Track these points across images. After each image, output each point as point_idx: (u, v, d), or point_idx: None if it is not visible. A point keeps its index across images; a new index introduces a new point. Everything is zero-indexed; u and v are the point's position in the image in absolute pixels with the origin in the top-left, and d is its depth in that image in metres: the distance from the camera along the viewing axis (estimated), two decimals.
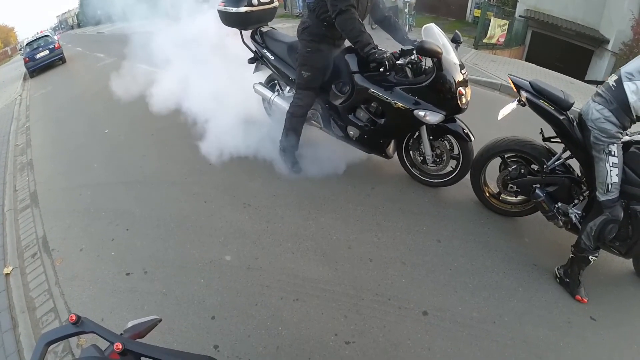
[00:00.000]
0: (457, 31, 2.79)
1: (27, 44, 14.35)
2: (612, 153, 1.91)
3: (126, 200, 3.42)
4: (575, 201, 2.31)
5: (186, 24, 4.90)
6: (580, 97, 6.17)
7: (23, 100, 9.62)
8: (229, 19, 3.53)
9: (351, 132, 3.06)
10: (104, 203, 3.46)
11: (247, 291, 2.29)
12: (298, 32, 3.02)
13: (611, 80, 1.91)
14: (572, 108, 2.19)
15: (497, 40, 10.30)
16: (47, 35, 14.46)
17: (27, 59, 13.22)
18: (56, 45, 13.58)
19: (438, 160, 2.91)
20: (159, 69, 5.51)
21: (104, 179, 3.91)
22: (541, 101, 2.22)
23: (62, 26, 53.48)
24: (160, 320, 1.09)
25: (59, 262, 2.86)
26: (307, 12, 3.01)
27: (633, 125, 1.95)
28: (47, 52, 13.31)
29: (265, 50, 3.53)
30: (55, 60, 13.55)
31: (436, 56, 2.40)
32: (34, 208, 3.74)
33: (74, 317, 0.94)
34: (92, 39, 17.14)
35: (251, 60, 3.74)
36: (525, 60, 10.89)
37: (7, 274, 2.86)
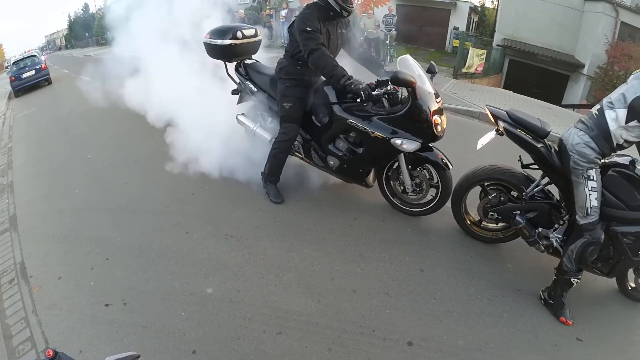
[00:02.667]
0: (432, 62, 2.89)
1: (13, 63, 14.37)
2: (591, 177, 1.98)
3: (107, 228, 3.36)
4: (556, 226, 2.36)
5: (173, 49, 4.95)
6: (558, 122, 6.39)
7: (7, 119, 9.50)
8: (214, 51, 3.61)
9: (331, 162, 3.11)
10: (85, 230, 3.39)
11: (229, 324, 2.25)
12: (276, 72, 3.14)
13: (595, 108, 2.00)
14: (551, 134, 2.27)
15: (476, 69, 10.63)
16: (34, 56, 14.45)
17: (13, 77, 13.17)
18: (43, 66, 13.55)
19: (418, 189, 2.96)
20: (144, 95, 5.53)
21: (85, 205, 3.84)
22: (518, 130, 2.30)
23: (50, 46, 53.53)
24: (138, 357, 1.07)
25: (36, 289, 2.77)
26: (284, 53, 3.11)
27: None
28: (33, 72, 13.26)
29: (248, 82, 3.59)
30: (41, 81, 13.50)
31: (410, 86, 2.48)
32: (12, 232, 3.64)
33: (51, 353, 0.92)
34: (79, 62, 17.12)
35: (235, 92, 3.79)
36: (504, 88, 11.29)
37: None
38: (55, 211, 3.83)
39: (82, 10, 43.59)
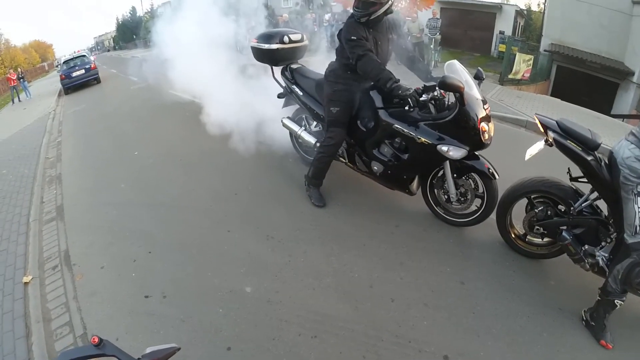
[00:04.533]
0: (479, 68, 2.83)
1: (64, 62, 15.13)
2: None
3: (151, 222, 3.48)
4: (603, 243, 2.23)
5: (221, 52, 5.10)
6: (607, 132, 6.04)
7: (56, 115, 10.08)
8: (260, 54, 3.73)
9: (375, 168, 3.08)
10: (129, 223, 3.52)
11: (265, 324, 2.27)
12: (325, 74, 3.16)
13: None
14: (602, 146, 2.16)
15: (523, 75, 10.22)
16: (84, 56, 15.23)
17: (64, 76, 13.91)
18: (92, 66, 14.28)
19: (462, 198, 2.87)
20: (189, 96, 5.72)
21: (130, 200, 3.99)
22: (568, 142, 2.19)
23: (99, 47, 56.58)
24: (178, 349, 1.08)
25: (79, 277, 2.91)
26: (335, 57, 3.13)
27: None
28: (83, 71, 14.00)
29: (294, 86, 3.66)
30: (91, 80, 14.24)
31: (458, 91, 2.42)
32: (59, 221, 3.84)
33: (96, 339, 0.95)
34: (127, 62, 17.99)
35: (280, 95, 3.87)
36: (551, 95, 10.79)
37: (26, 283, 2.91)
38: (100, 204, 4.01)
39: (130, 13, 45.76)
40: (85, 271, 2.96)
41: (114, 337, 2.27)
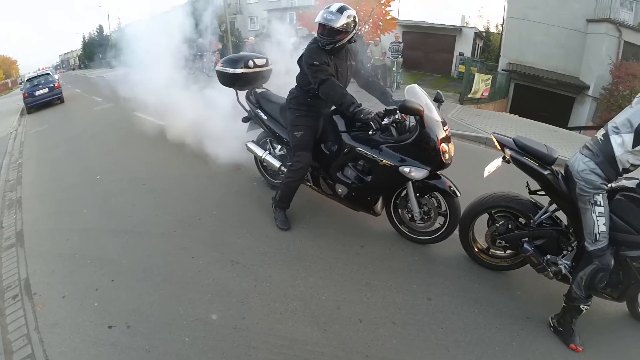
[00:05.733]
0: (439, 91, 2.96)
1: (27, 80, 14.50)
2: (598, 203, 1.97)
3: (113, 249, 3.36)
4: (564, 252, 2.35)
5: (185, 74, 5.09)
6: (565, 145, 6.39)
7: (18, 135, 9.60)
8: (225, 78, 3.75)
9: (339, 190, 3.12)
10: (91, 250, 3.39)
11: (233, 352, 2.22)
12: (287, 101, 3.21)
13: (599, 134, 1.99)
14: (559, 157, 2.27)
15: (482, 94, 10.70)
16: (48, 74, 14.70)
17: (27, 94, 13.35)
18: (56, 85, 13.79)
19: (426, 217, 2.95)
20: (154, 118, 5.62)
21: (92, 225, 3.85)
22: (525, 158, 2.31)
23: (64, 65, 54.83)
24: None
25: (40, 307, 2.76)
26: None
27: None
28: (46, 90, 13.49)
29: (258, 110, 3.69)
30: (54, 99, 13.74)
31: (418, 114, 2.52)
32: (18, 248, 3.64)
33: None
34: (92, 82, 17.51)
35: (245, 119, 3.89)
36: (510, 112, 11.36)
37: None
38: (62, 230, 3.85)
39: (97, 32, 44.62)
40: (46, 301, 2.82)
41: None
